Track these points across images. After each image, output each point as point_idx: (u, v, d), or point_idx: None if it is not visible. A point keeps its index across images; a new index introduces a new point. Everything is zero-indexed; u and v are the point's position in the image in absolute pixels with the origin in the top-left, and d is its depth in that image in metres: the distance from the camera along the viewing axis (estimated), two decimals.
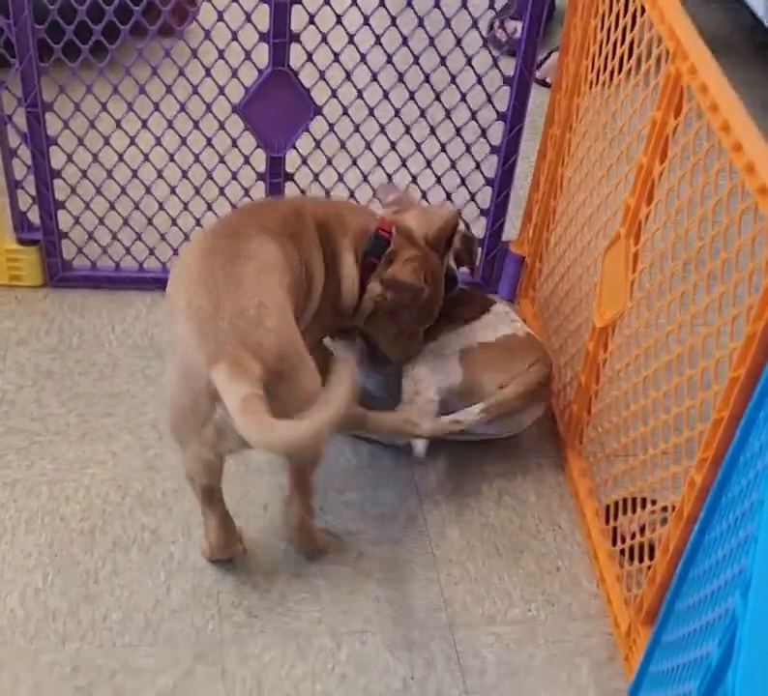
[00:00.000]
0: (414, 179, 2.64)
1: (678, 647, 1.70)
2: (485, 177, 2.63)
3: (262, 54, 2.41)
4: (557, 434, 2.41)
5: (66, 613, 2.03)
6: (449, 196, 2.67)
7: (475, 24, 2.43)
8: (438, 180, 2.64)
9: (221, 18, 2.38)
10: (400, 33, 2.42)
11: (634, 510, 2.05)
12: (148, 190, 2.59)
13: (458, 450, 2.36)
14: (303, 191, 2.63)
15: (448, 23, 2.42)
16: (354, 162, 2.60)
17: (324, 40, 2.41)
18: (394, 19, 2.41)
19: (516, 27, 2.47)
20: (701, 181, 1.77)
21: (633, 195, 1.99)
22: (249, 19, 2.38)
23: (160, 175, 2.58)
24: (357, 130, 2.55)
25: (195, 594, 2.08)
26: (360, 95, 2.50)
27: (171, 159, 2.55)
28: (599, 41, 2.20)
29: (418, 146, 2.58)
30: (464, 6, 2.40)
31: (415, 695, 1.96)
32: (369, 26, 2.41)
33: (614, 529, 2.14)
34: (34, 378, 2.45)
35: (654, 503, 1.98)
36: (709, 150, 1.72)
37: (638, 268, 2.03)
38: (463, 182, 2.64)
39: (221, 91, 2.46)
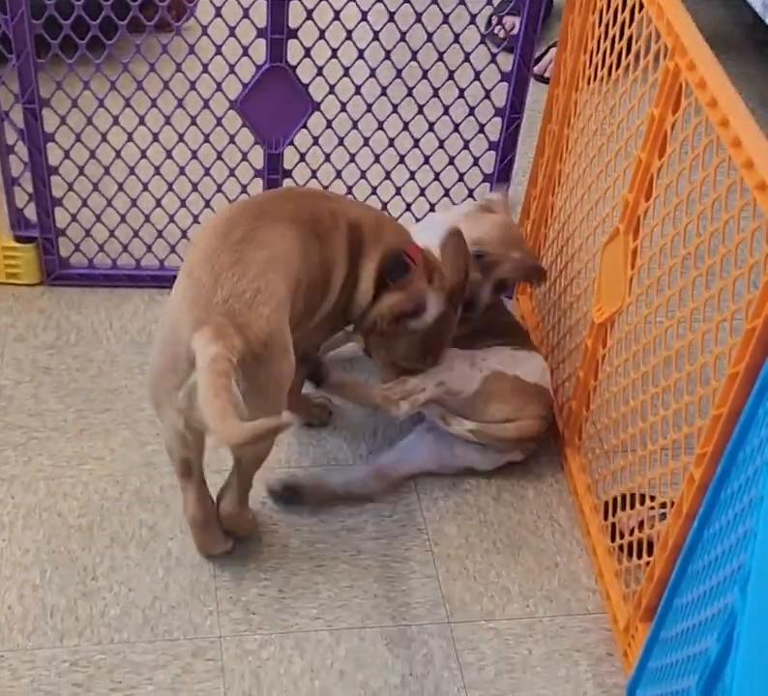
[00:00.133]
0: (412, 175, 2.63)
1: (677, 643, 1.70)
2: (483, 173, 2.63)
3: (260, 50, 2.40)
4: (556, 430, 2.41)
5: (64, 609, 2.03)
6: (447, 192, 2.67)
7: (473, 20, 2.43)
8: (437, 176, 2.64)
9: (218, 14, 2.37)
10: (399, 29, 2.42)
11: (632, 506, 2.05)
12: (145, 187, 2.59)
13: None
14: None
15: (446, 19, 2.41)
16: (352, 159, 2.60)
17: (322, 35, 2.41)
18: (392, 15, 2.41)
19: (514, 23, 2.48)
20: (700, 177, 1.77)
21: (631, 191, 1.99)
22: (246, 15, 2.37)
23: (157, 171, 2.57)
24: (355, 126, 2.55)
25: (193, 590, 2.08)
26: (358, 91, 2.50)
27: (169, 155, 2.54)
28: (597, 36, 2.20)
29: (416, 142, 2.58)
30: (462, 2, 2.40)
31: (414, 691, 1.97)
32: (368, 22, 2.41)
33: (613, 525, 2.14)
34: (31, 374, 2.44)
35: (653, 499, 1.98)
36: (707, 145, 1.72)
37: (637, 264, 2.03)
38: (462, 177, 2.64)
39: (219, 87, 2.46)
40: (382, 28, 2.42)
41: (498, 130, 2.56)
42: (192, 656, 1.99)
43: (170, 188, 2.59)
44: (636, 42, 2.03)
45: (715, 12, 3.86)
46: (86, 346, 2.52)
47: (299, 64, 2.44)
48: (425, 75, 2.49)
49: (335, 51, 2.44)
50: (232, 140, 2.53)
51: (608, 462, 2.18)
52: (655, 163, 1.92)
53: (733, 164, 1.59)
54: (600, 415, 2.24)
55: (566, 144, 2.41)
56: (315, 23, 2.39)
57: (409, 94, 2.51)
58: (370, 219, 2.14)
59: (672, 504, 1.82)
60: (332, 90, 2.49)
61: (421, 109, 2.53)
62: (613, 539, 2.13)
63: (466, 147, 2.60)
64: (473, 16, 2.42)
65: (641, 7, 1.98)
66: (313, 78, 2.46)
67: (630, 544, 2.05)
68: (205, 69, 2.43)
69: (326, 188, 2.63)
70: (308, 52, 2.43)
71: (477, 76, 2.49)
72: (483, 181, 2.65)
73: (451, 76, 2.49)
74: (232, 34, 2.38)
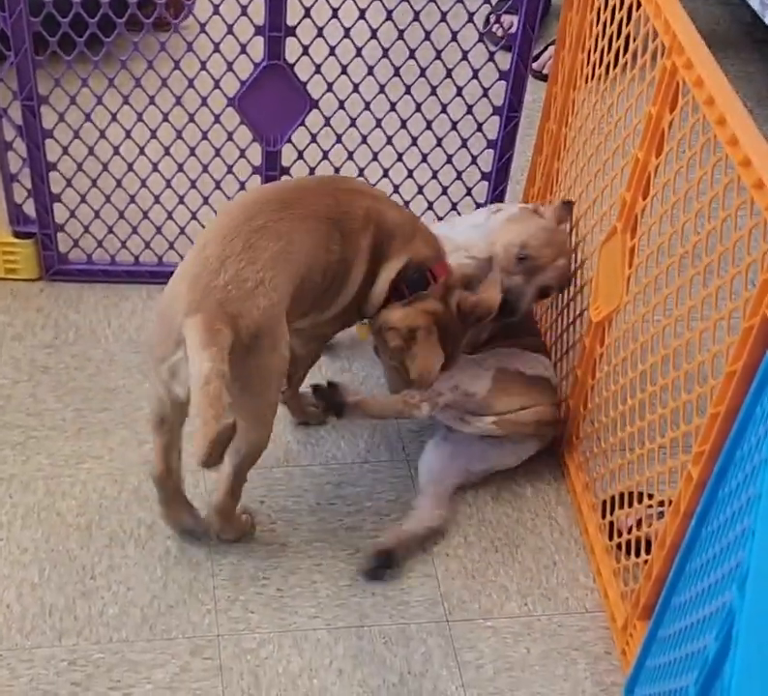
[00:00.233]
0: (410, 173, 2.63)
1: (675, 641, 1.70)
2: (481, 171, 2.63)
3: (258, 48, 2.40)
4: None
5: (62, 608, 2.03)
6: (445, 191, 2.67)
7: (471, 18, 2.43)
8: (435, 174, 2.64)
9: (216, 12, 2.37)
10: (397, 27, 2.42)
11: (631, 505, 2.05)
12: (144, 184, 2.59)
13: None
14: None
15: (444, 17, 2.41)
16: (350, 156, 2.59)
17: (320, 33, 2.41)
18: (390, 13, 2.41)
19: (512, 21, 2.47)
20: (697, 175, 1.77)
21: (629, 190, 1.99)
22: (244, 13, 2.37)
23: (155, 168, 2.57)
24: (353, 124, 2.55)
25: (192, 589, 2.08)
26: (356, 89, 2.50)
27: (167, 152, 2.54)
28: (595, 35, 2.20)
29: (414, 140, 2.58)
30: (460, 0, 2.39)
31: (412, 689, 1.97)
32: (365, 20, 2.41)
33: (611, 523, 2.14)
34: (30, 373, 2.44)
35: (651, 497, 1.98)
36: (705, 144, 1.72)
37: (635, 262, 2.02)
38: (460, 176, 2.64)
39: (217, 84, 2.46)
40: (380, 26, 2.42)
41: (496, 129, 2.55)
42: (191, 655, 1.99)
43: (168, 185, 2.59)
44: (634, 40, 2.03)
45: (712, 10, 3.86)
46: (84, 345, 2.52)
47: (297, 62, 2.43)
48: (423, 74, 2.48)
49: (333, 49, 2.44)
50: (230, 137, 2.53)
51: (607, 461, 2.18)
52: (652, 162, 1.92)
53: (730, 163, 1.59)
54: (598, 413, 2.24)
55: (564, 143, 2.41)
56: (313, 21, 2.39)
57: (407, 92, 2.51)
58: (405, 226, 2.11)
59: (670, 502, 1.82)
60: (330, 88, 2.49)
61: (419, 107, 2.53)
62: (612, 538, 2.13)
63: (464, 145, 2.59)
64: (471, 15, 2.42)
65: (639, 5, 1.98)
66: (311, 76, 2.46)
67: (628, 543, 2.05)
68: (203, 66, 2.43)
69: None
70: (306, 50, 2.43)
71: (475, 75, 2.49)
72: (481, 179, 2.65)
73: (449, 75, 2.49)
74: (230, 32, 2.38)
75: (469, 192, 2.67)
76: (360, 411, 2.23)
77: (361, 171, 2.63)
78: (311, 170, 2.59)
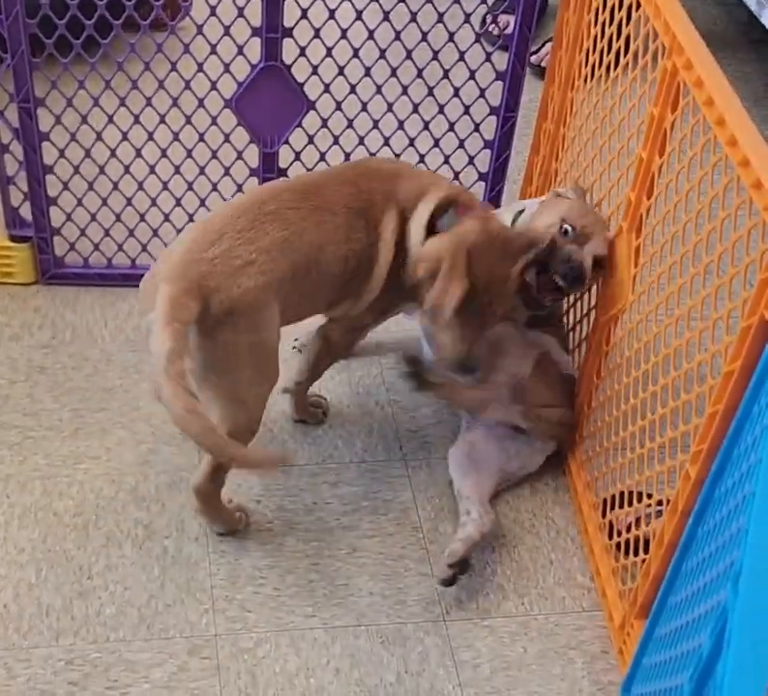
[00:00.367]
0: None
1: (671, 640, 1.70)
2: (478, 171, 2.64)
3: (255, 49, 2.40)
4: None
5: (59, 608, 2.03)
6: None
7: (468, 19, 2.43)
8: None
9: (213, 13, 2.37)
10: (393, 28, 2.42)
11: (630, 504, 2.06)
12: (140, 186, 2.59)
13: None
14: None
15: (440, 18, 2.42)
16: (347, 158, 2.60)
17: (317, 34, 2.41)
18: (387, 14, 2.41)
19: (508, 21, 2.48)
20: (698, 175, 1.77)
21: (633, 190, 2.00)
22: (241, 14, 2.38)
23: (152, 170, 2.57)
24: (350, 124, 2.55)
25: (189, 588, 2.08)
26: (353, 90, 2.50)
27: (164, 154, 2.54)
28: (593, 35, 2.20)
29: (411, 141, 2.58)
30: (457, 1, 2.40)
31: (409, 689, 1.97)
32: (362, 21, 2.42)
33: (610, 523, 2.14)
34: (27, 373, 2.44)
35: (649, 496, 1.99)
36: (705, 144, 1.73)
37: (640, 262, 2.03)
38: (457, 176, 2.65)
39: (214, 86, 2.46)
40: (377, 27, 2.43)
41: (493, 129, 2.56)
42: (188, 655, 1.99)
43: (165, 188, 2.59)
44: (634, 40, 2.04)
45: (709, 10, 3.87)
46: (81, 345, 2.52)
47: (294, 63, 2.44)
48: (419, 74, 2.49)
49: (330, 50, 2.44)
50: (227, 139, 2.54)
51: (607, 460, 2.18)
52: (656, 162, 1.92)
53: (730, 163, 1.60)
54: (601, 412, 2.24)
55: (562, 143, 2.41)
56: (310, 22, 2.39)
57: (404, 93, 2.51)
58: (421, 186, 2.08)
59: (668, 501, 1.82)
60: (327, 89, 2.49)
61: (416, 108, 2.54)
62: (611, 537, 2.14)
63: (461, 146, 2.60)
64: (468, 15, 2.43)
65: (638, 6, 1.98)
66: (308, 77, 2.47)
67: (626, 542, 2.05)
68: (200, 68, 2.43)
69: None
70: (303, 51, 2.43)
71: (472, 75, 2.49)
72: (478, 179, 2.65)
73: (446, 75, 2.49)
74: (227, 33, 2.39)
75: None
76: (441, 392, 2.22)
77: None
78: (309, 171, 2.60)
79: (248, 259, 1.89)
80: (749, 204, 1.56)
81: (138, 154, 2.54)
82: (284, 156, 2.55)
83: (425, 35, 2.44)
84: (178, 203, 2.61)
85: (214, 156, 2.56)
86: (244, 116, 2.49)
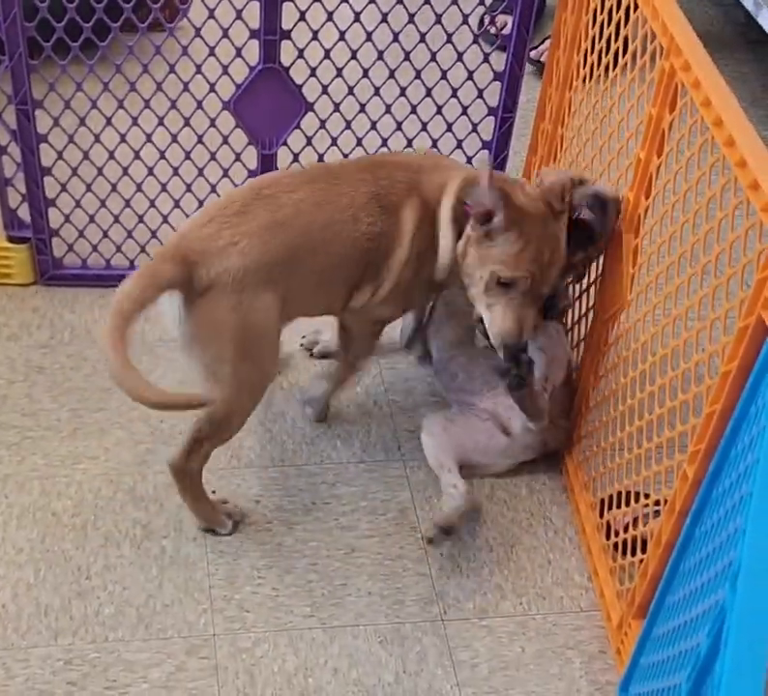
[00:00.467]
0: None
1: (669, 639, 1.71)
2: None
3: (253, 51, 2.41)
4: None
5: (58, 608, 2.04)
6: None
7: (466, 20, 2.44)
8: None
9: (211, 15, 2.38)
10: (391, 29, 2.43)
11: (627, 504, 2.06)
12: (139, 188, 2.59)
13: None
14: None
15: (438, 19, 2.42)
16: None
17: (315, 36, 2.42)
18: (385, 16, 2.42)
19: (506, 21, 2.48)
20: (696, 175, 1.78)
21: (631, 190, 2.00)
22: (239, 16, 2.38)
23: (150, 172, 2.57)
24: (349, 126, 2.56)
25: (187, 588, 2.09)
26: (351, 91, 2.51)
27: (162, 156, 2.55)
28: (591, 36, 2.21)
29: (409, 142, 2.59)
30: (455, 2, 2.41)
31: (407, 688, 1.97)
32: (360, 23, 2.42)
33: (608, 523, 2.15)
34: (25, 373, 2.45)
35: (647, 496, 1.99)
36: (703, 145, 1.73)
37: (638, 262, 2.03)
38: None
39: (212, 88, 2.46)
40: (375, 29, 2.43)
41: (491, 130, 2.57)
42: (186, 655, 1.99)
43: (164, 189, 2.59)
44: (632, 41, 2.04)
45: (707, 11, 3.88)
46: (80, 345, 2.52)
47: (292, 65, 2.44)
48: (418, 75, 2.49)
49: (328, 52, 2.45)
50: (226, 141, 2.54)
51: (605, 460, 2.19)
52: (654, 162, 1.93)
53: (727, 163, 1.60)
54: (599, 413, 2.24)
55: (561, 143, 2.42)
56: (308, 24, 2.40)
57: (402, 94, 2.52)
58: (445, 177, 2.09)
59: (666, 501, 1.83)
60: (325, 90, 2.50)
61: (414, 109, 2.54)
62: (608, 537, 2.14)
63: (459, 146, 2.61)
64: (465, 17, 2.43)
65: (636, 7, 1.99)
66: (307, 79, 2.47)
67: (624, 542, 2.06)
68: (198, 70, 2.44)
69: None
70: (301, 53, 2.43)
71: (470, 76, 2.50)
72: None
73: (444, 76, 2.50)
74: (225, 35, 2.39)
75: None
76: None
77: None
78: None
79: (231, 241, 1.93)
80: (746, 204, 1.57)
81: (137, 155, 2.55)
82: (283, 157, 2.55)
83: (423, 36, 2.44)
84: (177, 204, 2.61)
85: (212, 157, 2.56)
86: (242, 118, 2.49)
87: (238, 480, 2.27)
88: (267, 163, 2.54)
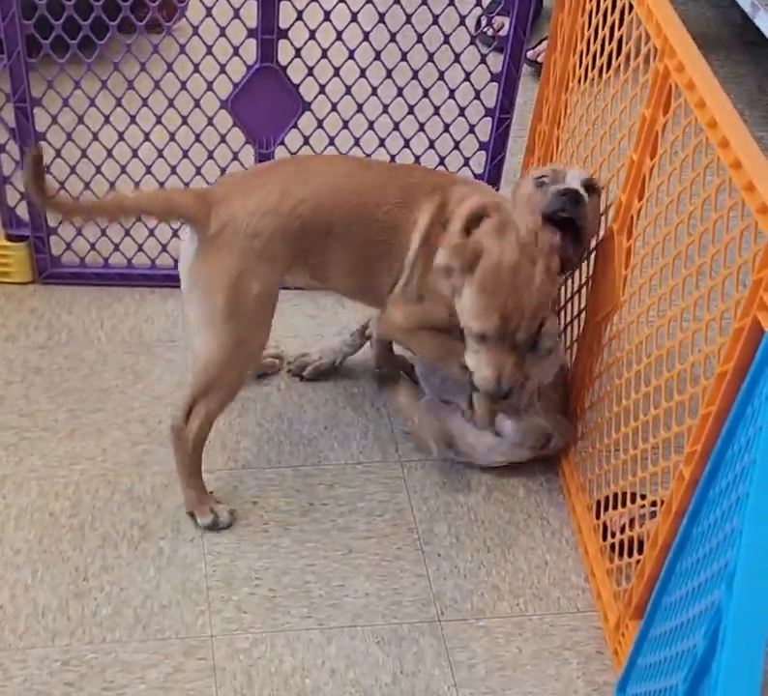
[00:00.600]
0: None
1: (666, 640, 1.71)
2: (474, 173, 2.64)
3: (250, 50, 2.41)
4: None
5: (55, 609, 2.04)
6: None
7: (463, 21, 2.43)
8: None
9: (209, 14, 2.38)
10: (388, 29, 2.43)
11: (624, 505, 2.06)
12: (137, 186, 2.59)
13: None
14: None
15: (436, 20, 2.42)
16: None
17: (312, 36, 2.42)
18: (382, 16, 2.42)
19: (503, 23, 2.48)
20: (690, 177, 1.78)
21: (624, 191, 2.00)
22: (237, 15, 2.38)
23: (148, 171, 2.57)
24: (346, 126, 2.56)
25: (185, 589, 2.09)
26: (348, 91, 2.50)
27: (160, 154, 2.55)
28: (586, 37, 2.21)
29: (407, 142, 2.59)
30: (452, 3, 2.40)
31: (404, 689, 1.97)
32: (358, 22, 2.42)
33: (604, 524, 2.15)
34: (23, 374, 2.44)
35: (643, 497, 1.99)
36: (697, 146, 1.73)
37: (631, 263, 2.03)
38: None
39: (210, 87, 2.46)
40: (372, 29, 2.43)
41: (488, 131, 2.56)
42: (184, 655, 1.99)
43: (161, 187, 2.59)
44: (627, 43, 2.04)
45: (703, 12, 3.88)
46: (77, 346, 2.52)
47: (289, 64, 2.44)
48: (415, 76, 2.49)
49: (325, 52, 2.45)
50: (223, 140, 2.54)
51: (601, 461, 2.19)
52: (647, 163, 1.93)
53: (722, 165, 1.60)
54: (594, 414, 2.25)
55: (557, 144, 2.42)
56: (306, 24, 2.40)
57: (399, 94, 2.52)
58: (466, 192, 2.12)
59: (662, 502, 1.83)
60: (322, 90, 2.50)
61: (411, 110, 2.54)
62: (605, 538, 2.14)
63: (457, 147, 2.60)
64: (463, 17, 2.43)
65: (631, 8, 1.99)
66: (304, 78, 2.47)
67: (621, 543, 2.06)
68: (196, 69, 2.44)
69: None
70: (298, 52, 2.43)
71: (467, 77, 2.50)
72: None
73: (441, 77, 2.50)
74: (223, 34, 2.39)
75: None
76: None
77: None
78: None
79: (254, 186, 2.03)
80: (741, 206, 1.57)
81: (135, 154, 2.55)
82: (280, 156, 2.55)
83: (420, 36, 2.44)
84: None
85: (210, 156, 2.56)
86: (239, 117, 2.49)
87: (235, 482, 2.27)
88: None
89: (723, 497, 1.55)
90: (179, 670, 1.97)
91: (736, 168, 1.56)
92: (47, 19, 2.34)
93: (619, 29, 2.08)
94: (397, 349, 2.45)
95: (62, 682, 1.93)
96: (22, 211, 2.59)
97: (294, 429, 2.39)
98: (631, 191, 1.98)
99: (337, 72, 2.47)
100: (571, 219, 2.09)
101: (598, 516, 2.17)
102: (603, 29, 2.14)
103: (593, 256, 2.18)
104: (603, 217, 2.17)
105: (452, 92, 2.52)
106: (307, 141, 2.56)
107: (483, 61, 2.48)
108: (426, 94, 2.52)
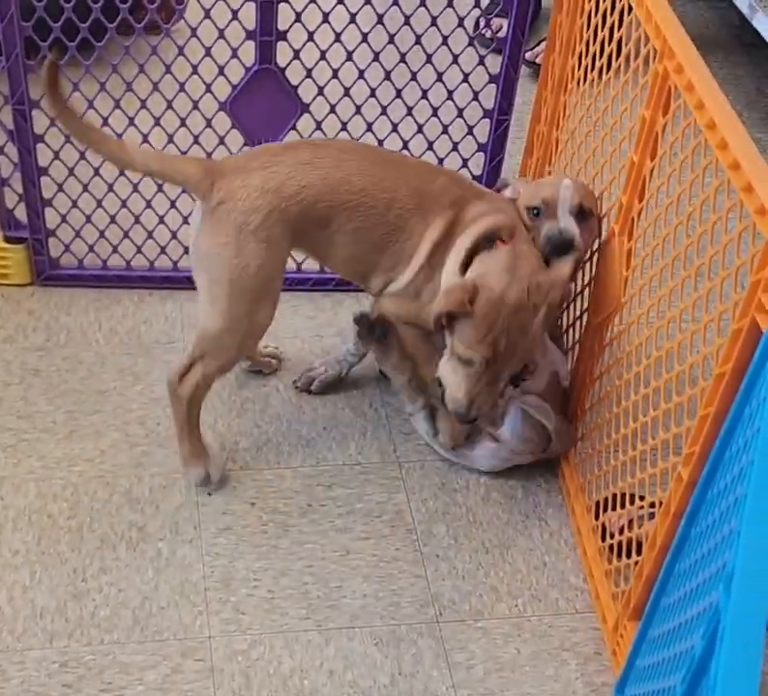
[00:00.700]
0: None
1: (664, 641, 1.71)
2: (472, 174, 2.64)
3: (249, 52, 2.41)
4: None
5: (53, 611, 2.04)
6: None
7: (461, 23, 2.44)
8: None
9: (207, 16, 2.38)
10: (387, 31, 2.43)
11: (622, 506, 2.06)
12: (135, 188, 2.59)
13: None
14: None
15: (434, 21, 2.42)
16: None
17: (311, 38, 2.42)
18: (380, 17, 2.42)
19: (501, 24, 2.48)
20: (689, 178, 1.78)
21: (625, 193, 2.00)
22: (235, 17, 2.38)
23: None
24: (344, 127, 2.56)
25: (183, 590, 2.09)
26: (347, 92, 2.51)
27: None
28: (585, 39, 2.21)
29: (405, 144, 2.59)
30: (451, 4, 2.41)
31: (403, 690, 1.97)
32: (356, 24, 2.42)
33: (603, 525, 2.15)
34: (21, 376, 2.44)
35: (642, 498, 1.99)
36: (696, 148, 1.74)
37: (632, 265, 2.04)
38: None
39: (208, 89, 2.46)
40: (371, 30, 2.43)
41: (487, 132, 2.57)
42: (182, 657, 1.99)
43: (160, 189, 2.59)
44: (626, 44, 2.04)
45: (702, 13, 3.89)
46: (76, 348, 2.52)
47: (288, 66, 2.44)
48: (413, 77, 2.50)
49: (324, 53, 2.45)
50: (222, 142, 2.54)
51: (600, 462, 2.19)
52: (647, 165, 1.93)
53: (720, 166, 1.61)
54: (593, 415, 2.25)
55: (556, 145, 2.42)
56: (304, 25, 2.40)
57: (398, 96, 2.52)
58: (484, 211, 2.10)
59: (661, 503, 1.83)
60: (321, 92, 2.50)
61: (410, 111, 2.54)
62: (604, 539, 2.14)
63: (455, 149, 2.61)
64: (461, 19, 2.43)
65: (630, 10, 1.99)
66: (302, 80, 2.47)
67: (619, 544, 2.06)
68: (195, 70, 2.44)
69: None
70: (297, 54, 2.44)
71: (465, 78, 2.50)
72: None
73: (439, 78, 2.50)
74: (221, 36, 2.39)
75: None
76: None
77: None
78: None
79: (262, 164, 2.03)
80: (739, 207, 1.57)
81: None
82: None
83: (418, 38, 2.44)
84: (173, 205, 2.62)
85: (209, 158, 2.56)
86: (238, 118, 2.49)
87: (234, 483, 2.27)
88: None
89: (721, 498, 1.55)
90: (177, 671, 1.97)
91: (735, 170, 1.56)
92: (46, 21, 2.33)
93: (618, 30, 2.09)
94: None
95: (60, 684, 1.93)
96: (20, 213, 2.59)
97: (292, 430, 2.39)
98: (631, 193, 1.99)
99: (335, 73, 2.47)
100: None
101: (596, 517, 2.17)
102: (601, 30, 2.14)
103: (595, 258, 2.19)
104: (604, 223, 2.18)
105: (450, 93, 2.52)
106: None
107: (481, 62, 2.48)
108: (424, 95, 2.52)
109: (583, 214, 2.13)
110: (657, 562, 1.83)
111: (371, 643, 2.04)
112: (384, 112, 2.54)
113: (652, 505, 1.94)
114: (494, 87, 2.50)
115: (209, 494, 2.22)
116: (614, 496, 2.11)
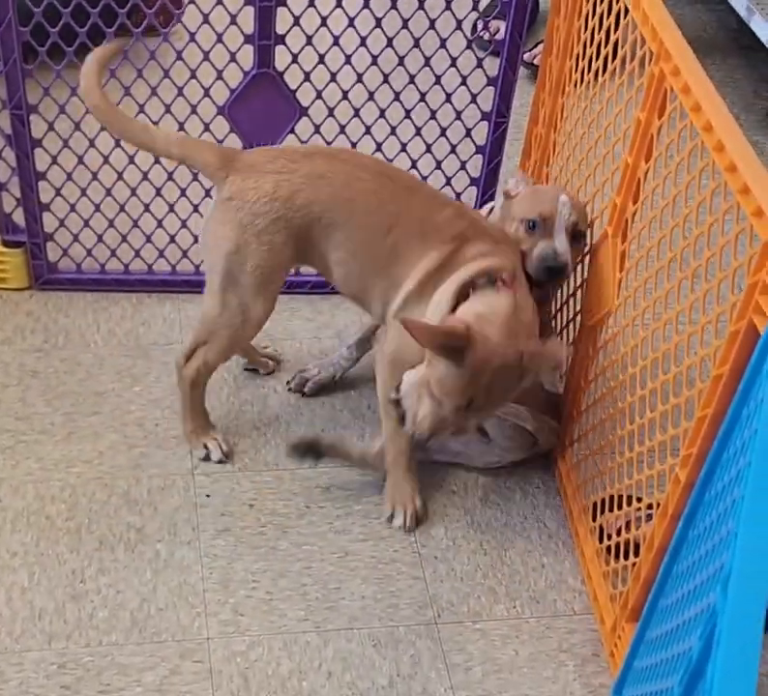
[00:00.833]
0: None
1: (662, 642, 1.71)
2: (470, 176, 2.65)
3: (247, 56, 2.41)
4: None
5: (52, 612, 2.04)
6: None
7: (459, 26, 2.44)
8: (424, 180, 2.64)
9: (206, 20, 2.38)
10: (385, 34, 2.43)
11: (620, 508, 2.06)
12: (133, 192, 2.59)
13: None
14: None
15: (432, 24, 2.43)
16: None
17: (309, 41, 2.42)
18: (379, 21, 2.42)
19: (499, 27, 2.49)
20: (685, 180, 1.78)
21: (619, 194, 2.01)
22: (234, 21, 2.38)
23: (145, 177, 2.57)
24: (342, 131, 2.56)
25: (181, 592, 2.09)
26: (345, 96, 2.51)
27: (156, 160, 2.54)
28: (583, 41, 2.21)
29: (403, 146, 2.59)
30: (448, 7, 2.41)
31: (401, 692, 1.97)
32: (355, 28, 2.43)
33: (601, 526, 2.15)
34: (19, 377, 2.45)
35: (639, 500, 2.00)
36: (692, 150, 1.74)
37: (625, 267, 2.04)
38: (449, 182, 2.66)
39: (207, 92, 2.47)
40: (369, 34, 2.44)
41: (485, 134, 2.57)
42: (181, 658, 1.99)
43: (158, 193, 2.60)
44: (622, 46, 2.05)
45: (699, 16, 3.89)
46: (74, 349, 2.52)
47: (286, 70, 2.45)
48: (411, 80, 2.50)
49: (322, 57, 2.45)
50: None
51: (597, 464, 2.19)
52: (642, 167, 1.93)
53: (717, 168, 1.61)
54: (589, 417, 2.25)
55: (554, 148, 2.43)
56: (302, 29, 2.40)
57: (396, 99, 2.53)
58: (491, 251, 2.04)
59: (658, 505, 1.83)
60: (319, 95, 2.50)
61: (408, 114, 2.55)
62: (601, 541, 2.14)
63: (453, 151, 2.61)
64: (459, 22, 2.44)
65: (627, 12, 1.99)
66: (301, 84, 2.48)
67: (617, 545, 2.06)
68: (193, 74, 2.44)
69: None
70: (295, 58, 2.44)
71: (463, 81, 2.51)
72: (469, 185, 2.66)
73: (437, 81, 2.50)
74: (220, 40, 2.39)
75: (458, 198, 2.68)
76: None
77: None
78: None
79: (278, 169, 2.04)
80: (736, 209, 1.58)
81: (131, 160, 2.55)
82: None
83: (417, 41, 2.45)
84: (171, 209, 2.62)
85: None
86: (237, 123, 2.50)
87: (232, 484, 2.27)
88: None
89: (718, 500, 1.55)
90: (175, 673, 1.97)
91: (731, 172, 1.56)
92: (44, 26, 2.34)
93: (615, 33, 2.09)
94: None
95: (58, 685, 1.93)
96: (18, 217, 2.59)
97: (291, 432, 2.39)
98: (625, 194, 1.99)
99: (333, 77, 2.48)
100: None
101: (594, 519, 2.18)
102: (598, 33, 2.15)
103: (587, 260, 2.19)
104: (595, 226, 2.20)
105: (448, 96, 2.53)
106: None
107: (479, 65, 2.49)
108: (422, 98, 2.53)
109: (576, 235, 2.15)
110: (655, 563, 1.83)
111: (370, 644, 2.04)
112: (382, 115, 2.54)
113: (650, 506, 1.94)
114: (492, 89, 2.50)
115: (207, 496, 2.23)
116: (612, 497, 2.11)
